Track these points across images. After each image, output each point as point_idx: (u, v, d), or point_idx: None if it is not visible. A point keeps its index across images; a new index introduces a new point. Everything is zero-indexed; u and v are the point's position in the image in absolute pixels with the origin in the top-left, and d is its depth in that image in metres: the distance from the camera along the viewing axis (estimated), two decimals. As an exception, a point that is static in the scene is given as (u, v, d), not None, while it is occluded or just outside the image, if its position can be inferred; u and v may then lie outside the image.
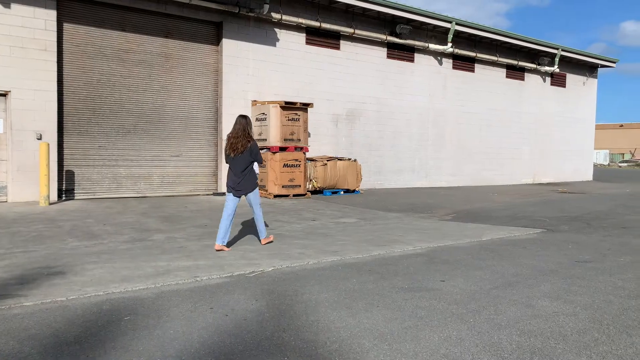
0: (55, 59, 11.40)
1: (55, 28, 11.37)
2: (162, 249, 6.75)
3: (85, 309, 4.26)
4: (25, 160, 11.11)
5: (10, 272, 5.37)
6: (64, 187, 11.87)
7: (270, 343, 3.60)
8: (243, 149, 6.72)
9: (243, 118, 6.91)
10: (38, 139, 11.19)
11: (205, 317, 4.11)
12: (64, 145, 11.86)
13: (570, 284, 5.35)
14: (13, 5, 10.91)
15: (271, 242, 7.25)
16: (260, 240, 7.21)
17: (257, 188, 6.98)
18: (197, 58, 13.71)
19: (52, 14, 11.31)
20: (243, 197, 6.94)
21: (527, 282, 5.37)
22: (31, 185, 11.13)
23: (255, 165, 6.91)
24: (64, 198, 11.81)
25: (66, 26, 11.80)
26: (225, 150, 6.90)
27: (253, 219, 7.81)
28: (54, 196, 11.34)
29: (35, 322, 3.94)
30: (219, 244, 6.70)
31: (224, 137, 13.89)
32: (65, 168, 11.88)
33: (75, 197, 12.02)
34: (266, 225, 7.68)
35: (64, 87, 11.82)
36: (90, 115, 12.24)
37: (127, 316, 4.11)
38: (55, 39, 11.38)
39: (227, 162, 6.94)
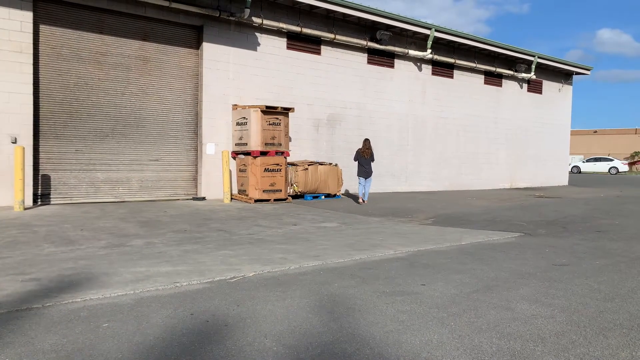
0: (31, 61, 11.19)
1: (31, 30, 11.17)
2: (141, 255, 6.66)
3: (62, 316, 4.17)
4: (-1, 164, 10.87)
5: (-17, 279, 5.23)
6: (39, 192, 11.63)
7: (252, 349, 3.58)
8: (369, 155, 13.82)
9: (368, 140, 13.92)
10: (13, 142, 10.95)
11: (186, 324, 4.07)
12: (40, 149, 11.63)
13: (548, 287, 5.44)
14: (-13, 6, 10.68)
15: (364, 202, 13.74)
16: (363, 201, 13.79)
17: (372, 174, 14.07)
18: (176, 61, 13.60)
19: (28, 16, 11.11)
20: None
21: (506, 286, 5.44)
22: (5, 189, 10.88)
23: (372, 164, 14.01)
24: (39, 203, 11.57)
25: (42, 28, 11.60)
26: (360, 154, 13.82)
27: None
28: (29, 201, 11.10)
29: (10, 329, 3.85)
30: (362, 199, 13.76)
31: (204, 141, 13.85)
32: (41, 172, 11.65)
33: (52, 202, 11.78)
34: (362, 201, 13.81)
35: (40, 90, 11.61)
36: (67, 118, 12.03)
37: (105, 323, 4.04)
38: (31, 40, 11.18)
39: (358, 161, 13.86)
